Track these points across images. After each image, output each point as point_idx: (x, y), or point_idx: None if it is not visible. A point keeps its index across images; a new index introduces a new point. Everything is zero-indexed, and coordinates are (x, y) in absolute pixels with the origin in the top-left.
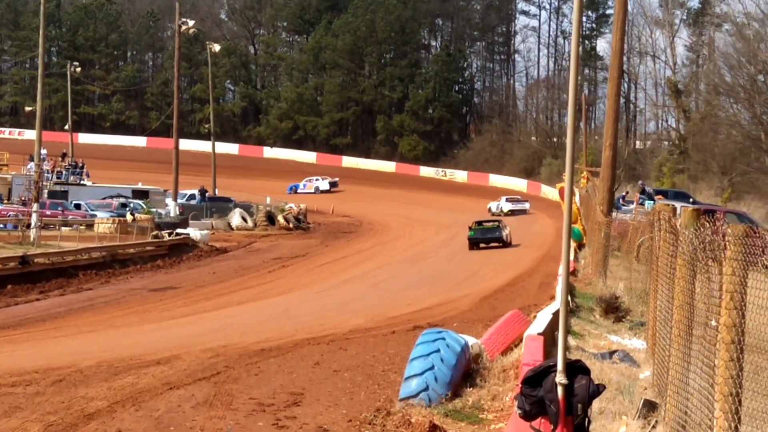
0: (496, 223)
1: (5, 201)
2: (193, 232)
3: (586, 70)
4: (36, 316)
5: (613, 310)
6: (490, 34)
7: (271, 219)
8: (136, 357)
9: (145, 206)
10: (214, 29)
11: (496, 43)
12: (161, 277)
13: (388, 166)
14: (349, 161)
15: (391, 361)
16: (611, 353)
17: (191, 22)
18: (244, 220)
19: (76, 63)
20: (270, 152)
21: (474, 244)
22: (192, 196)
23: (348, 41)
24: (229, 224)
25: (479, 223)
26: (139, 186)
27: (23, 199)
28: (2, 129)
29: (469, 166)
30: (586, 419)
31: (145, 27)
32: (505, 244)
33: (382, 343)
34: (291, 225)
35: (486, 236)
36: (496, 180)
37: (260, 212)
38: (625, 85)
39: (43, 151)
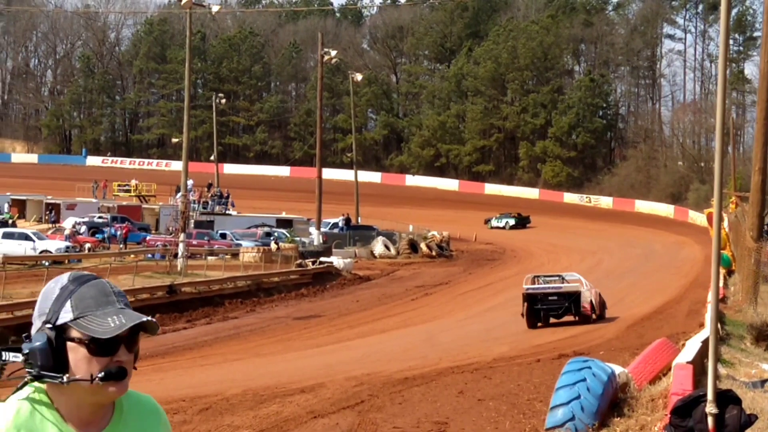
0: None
1: (153, 231)
2: (337, 261)
3: (734, 94)
4: (183, 344)
5: (764, 337)
6: (635, 58)
7: (414, 247)
8: (280, 385)
9: (289, 235)
10: (356, 59)
11: (641, 68)
12: (305, 305)
13: (532, 193)
14: (491, 188)
15: (536, 389)
16: (763, 382)
17: (333, 53)
18: (387, 248)
19: (221, 95)
20: (412, 180)
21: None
22: (335, 225)
23: (490, 68)
24: (372, 252)
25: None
26: (283, 215)
27: (170, 229)
28: (150, 160)
29: (613, 192)
30: None
31: (288, 58)
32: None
33: (527, 372)
34: (434, 253)
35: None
36: (642, 206)
37: (403, 240)
38: None
39: (190, 182)
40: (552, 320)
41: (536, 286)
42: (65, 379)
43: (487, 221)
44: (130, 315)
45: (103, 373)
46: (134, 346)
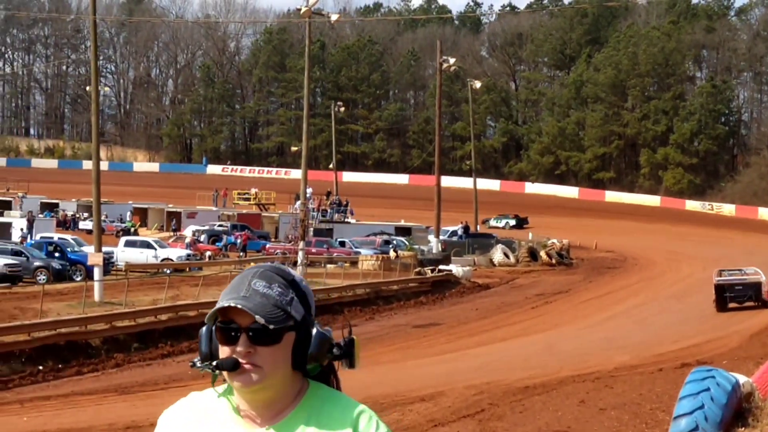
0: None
1: (273, 239)
2: (456, 269)
3: None
4: None
5: None
6: (758, 64)
7: (533, 255)
8: (400, 393)
9: (408, 243)
10: (475, 66)
11: (764, 74)
12: (424, 313)
13: (653, 200)
14: (612, 196)
15: (659, 399)
16: None
17: (452, 60)
18: (506, 256)
19: (339, 103)
20: (532, 188)
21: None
22: (454, 233)
23: (610, 75)
24: (491, 260)
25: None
26: (402, 223)
27: (290, 237)
28: (269, 169)
29: (736, 199)
30: None
31: (407, 66)
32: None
33: (649, 381)
34: (554, 261)
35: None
36: (767, 214)
37: (522, 248)
38: None
39: (309, 190)
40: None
41: (724, 278)
42: (197, 363)
43: (486, 221)
44: (243, 300)
45: (215, 362)
46: (264, 340)
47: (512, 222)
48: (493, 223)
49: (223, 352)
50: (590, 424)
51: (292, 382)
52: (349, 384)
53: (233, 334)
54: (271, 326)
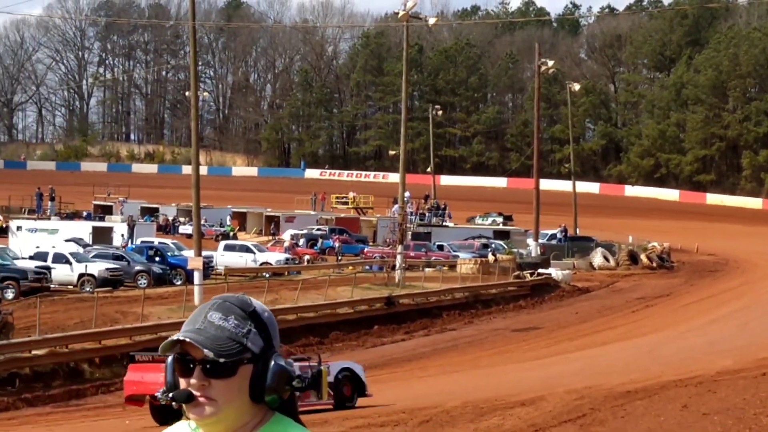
0: None
1: (371, 243)
2: (555, 272)
3: None
4: (401, 356)
5: None
6: None
7: (634, 258)
8: (500, 398)
9: (506, 246)
10: (573, 68)
11: None
12: (523, 317)
13: (755, 203)
14: (713, 198)
15: (763, 404)
16: None
17: (550, 63)
18: (606, 259)
19: (437, 106)
20: (632, 190)
21: None
22: (553, 236)
23: (711, 76)
24: (590, 264)
25: None
26: (501, 226)
27: (388, 240)
28: (367, 172)
29: None
30: None
31: (505, 69)
32: None
33: (753, 386)
34: (654, 264)
35: None
36: None
37: (622, 251)
38: None
39: (407, 194)
40: None
41: None
42: (158, 395)
43: (470, 219)
44: (194, 334)
45: (170, 395)
46: (217, 373)
47: (499, 219)
48: (479, 221)
49: (182, 383)
50: (693, 429)
51: (250, 414)
52: (449, 387)
53: (190, 366)
54: (222, 360)
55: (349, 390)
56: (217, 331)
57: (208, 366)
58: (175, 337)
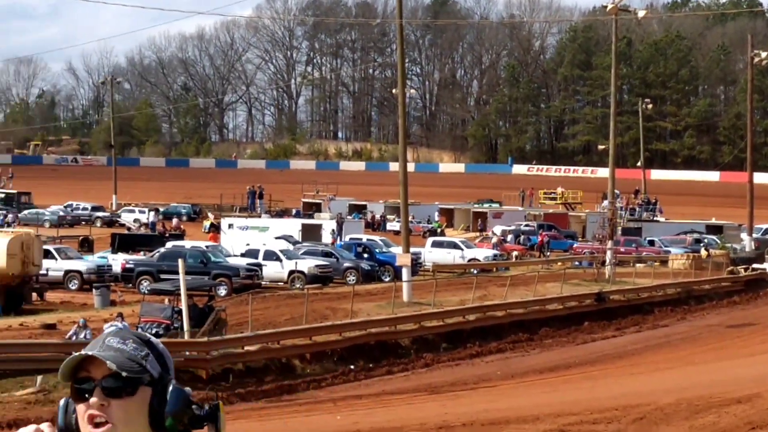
0: None
1: (580, 238)
2: None
3: None
4: (612, 352)
5: None
6: None
7: None
8: (714, 395)
9: (719, 241)
10: None
11: None
12: (737, 313)
13: None
14: None
15: None
16: None
17: (764, 54)
18: None
19: (647, 100)
20: None
21: None
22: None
23: None
24: None
25: None
26: (713, 221)
27: (598, 236)
28: (575, 168)
29: None
30: None
31: (716, 61)
32: None
33: None
34: None
35: None
36: None
37: None
38: None
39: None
40: None
41: None
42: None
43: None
44: (97, 350)
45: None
46: (117, 392)
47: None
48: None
49: (80, 411)
50: None
51: None
52: (662, 385)
53: (88, 388)
54: (124, 373)
55: None
56: (117, 352)
57: (106, 386)
58: (78, 354)
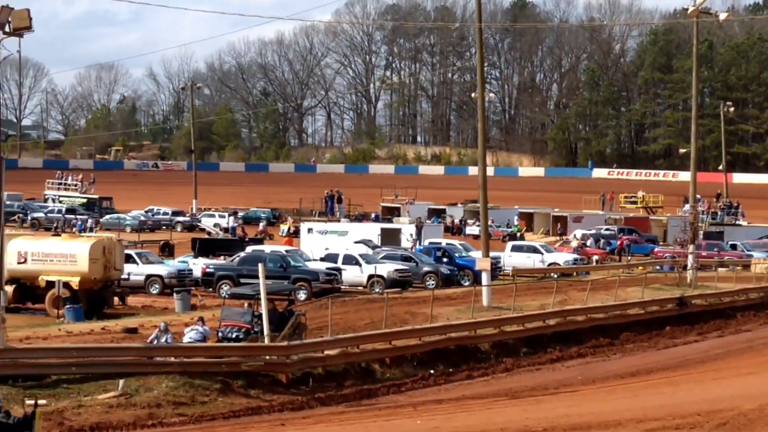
0: None
1: (661, 243)
2: None
3: None
4: (694, 357)
5: None
6: None
7: None
8: None
9: None
10: None
11: None
12: None
13: None
14: None
15: None
16: None
17: None
18: None
19: (729, 103)
20: None
21: None
22: None
23: None
24: None
25: None
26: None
27: (679, 240)
28: (656, 171)
29: None
30: None
31: None
32: None
33: None
34: None
35: None
36: None
37: None
38: None
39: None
40: None
41: None
42: None
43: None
44: None
45: None
46: None
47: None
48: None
49: None
50: None
51: None
52: (745, 390)
53: None
54: None
55: None
56: None
57: None
58: None
